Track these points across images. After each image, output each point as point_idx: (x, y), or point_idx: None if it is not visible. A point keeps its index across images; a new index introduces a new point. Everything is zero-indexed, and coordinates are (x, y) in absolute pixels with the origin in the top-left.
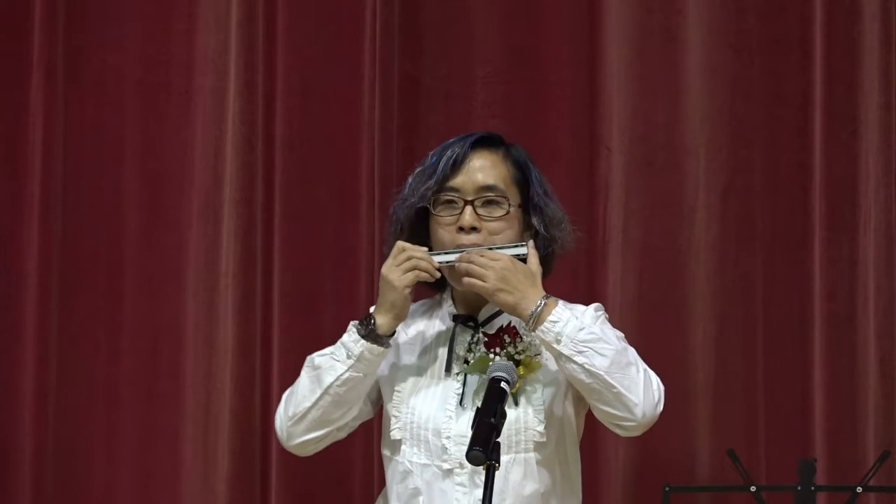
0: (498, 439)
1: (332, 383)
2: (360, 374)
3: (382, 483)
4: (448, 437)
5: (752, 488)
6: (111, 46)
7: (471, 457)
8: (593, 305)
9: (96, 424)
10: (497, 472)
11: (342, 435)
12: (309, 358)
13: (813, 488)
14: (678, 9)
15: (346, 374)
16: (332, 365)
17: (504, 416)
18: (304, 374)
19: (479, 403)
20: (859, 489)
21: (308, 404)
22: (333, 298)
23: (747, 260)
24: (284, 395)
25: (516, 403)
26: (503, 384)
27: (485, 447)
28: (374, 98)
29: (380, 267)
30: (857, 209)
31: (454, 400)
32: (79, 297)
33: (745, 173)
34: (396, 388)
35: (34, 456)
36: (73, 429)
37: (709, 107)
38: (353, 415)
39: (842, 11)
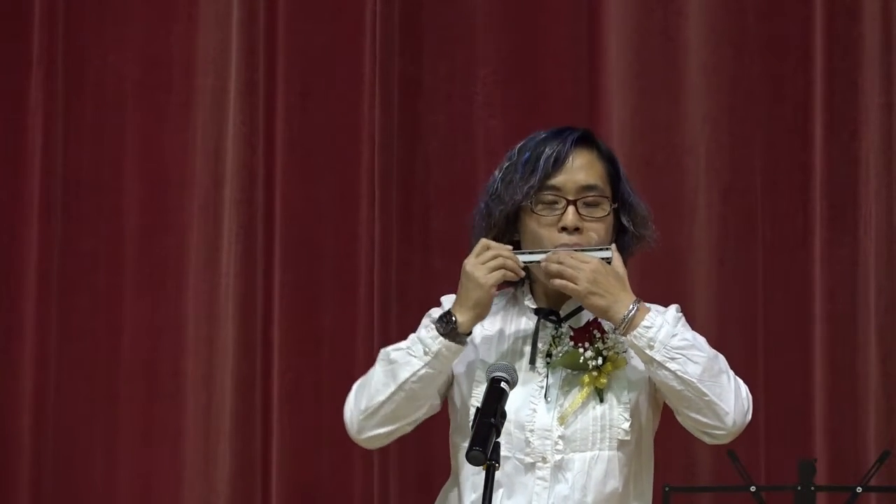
0: (498, 439)
1: (407, 379)
2: (436, 371)
3: (382, 483)
4: (531, 431)
5: (752, 488)
6: (111, 46)
7: (470, 457)
8: (674, 307)
9: (96, 424)
10: (579, 468)
11: (410, 429)
12: (384, 351)
13: (813, 488)
14: (678, 9)
15: (423, 371)
16: (409, 360)
17: (504, 416)
18: (379, 367)
19: (563, 398)
20: (859, 489)
21: (382, 398)
22: (333, 298)
23: (747, 260)
24: (355, 387)
25: (602, 400)
26: (503, 384)
27: (484, 447)
28: (374, 98)
29: (379, 267)
30: (857, 209)
31: (538, 394)
32: (79, 297)
33: (746, 173)
34: (477, 381)
35: (34, 456)
36: (73, 429)
37: (709, 107)
38: (424, 410)
39: (842, 12)
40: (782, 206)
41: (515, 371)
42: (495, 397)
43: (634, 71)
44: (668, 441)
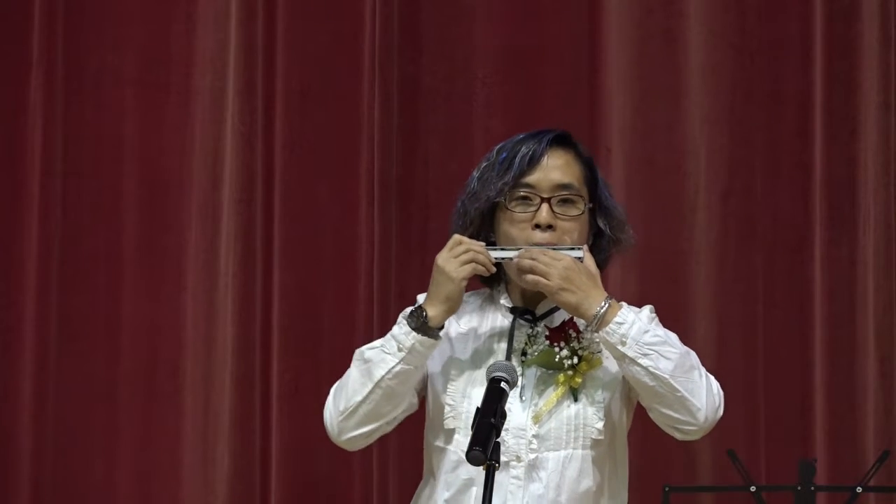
0: (498, 439)
1: (383, 377)
2: (412, 367)
3: (381, 483)
4: (506, 430)
5: (752, 488)
6: (110, 46)
7: (470, 457)
8: (647, 307)
9: (95, 424)
10: (553, 467)
11: (390, 429)
12: (358, 351)
13: (813, 488)
14: (678, 9)
15: (398, 367)
16: (383, 358)
17: (504, 416)
18: (354, 367)
19: (538, 397)
20: (859, 489)
21: (359, 398)
22: (333, 298)
23: (748, 260)
24: (333, 390)
25: (576, 399)
26: (503, 384)
27: (484, 447)
28: (373, 98)
29: (378, 267)
30: (856, 209)
31: (513, 393)
32: (78, 296)
33: (746, 174)
34: (451, 379)
35: (33, 456)
36: (72, 429)
37: (709, 107)
38: (403, 408)
39: (841, 11)
40: (782, 206)
41: (516, 371)
42: (495, 397)
43: (634, 71)
44: (668, 441)
